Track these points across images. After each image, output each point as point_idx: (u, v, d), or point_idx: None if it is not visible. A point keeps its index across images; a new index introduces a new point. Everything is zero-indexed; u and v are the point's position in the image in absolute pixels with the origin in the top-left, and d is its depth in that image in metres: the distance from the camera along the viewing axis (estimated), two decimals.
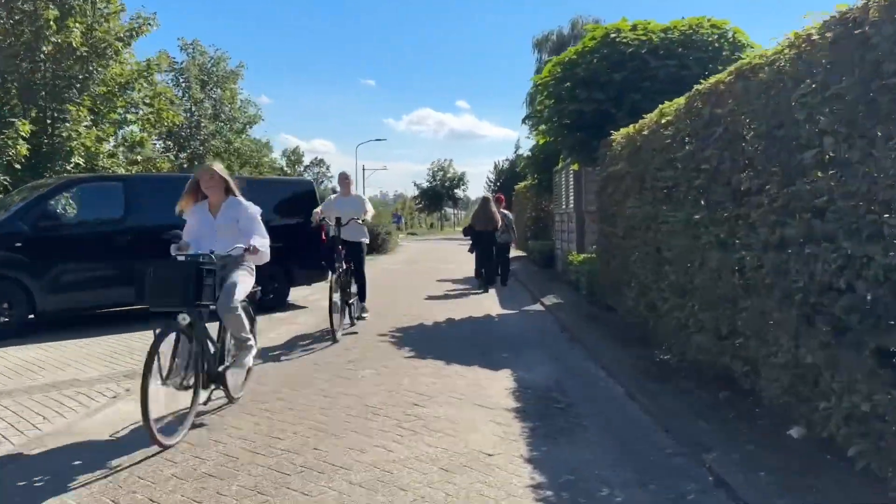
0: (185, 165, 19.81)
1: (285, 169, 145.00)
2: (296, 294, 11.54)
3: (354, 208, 8.57)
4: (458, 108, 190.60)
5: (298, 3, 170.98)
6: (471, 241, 15.11)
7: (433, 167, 69.91)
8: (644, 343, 6.63)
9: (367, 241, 9.12)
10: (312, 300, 11.39)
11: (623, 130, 7.12)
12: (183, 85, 20.06)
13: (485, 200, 14.45)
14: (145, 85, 13.75)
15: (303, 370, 6.19)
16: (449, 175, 69.50)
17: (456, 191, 70.59)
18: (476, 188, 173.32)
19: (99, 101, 12.98)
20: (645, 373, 5.62)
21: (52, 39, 12.04)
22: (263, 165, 22.25)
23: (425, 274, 16.54)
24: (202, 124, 19.66)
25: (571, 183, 13.08)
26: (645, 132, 6.23)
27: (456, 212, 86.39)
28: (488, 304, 10.90)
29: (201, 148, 19.40)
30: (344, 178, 9.36)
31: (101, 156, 13.11)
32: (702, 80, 5.35)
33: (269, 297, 10.26)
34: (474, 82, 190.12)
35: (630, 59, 9.68)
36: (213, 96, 20.52)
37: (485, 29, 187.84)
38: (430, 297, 11.95)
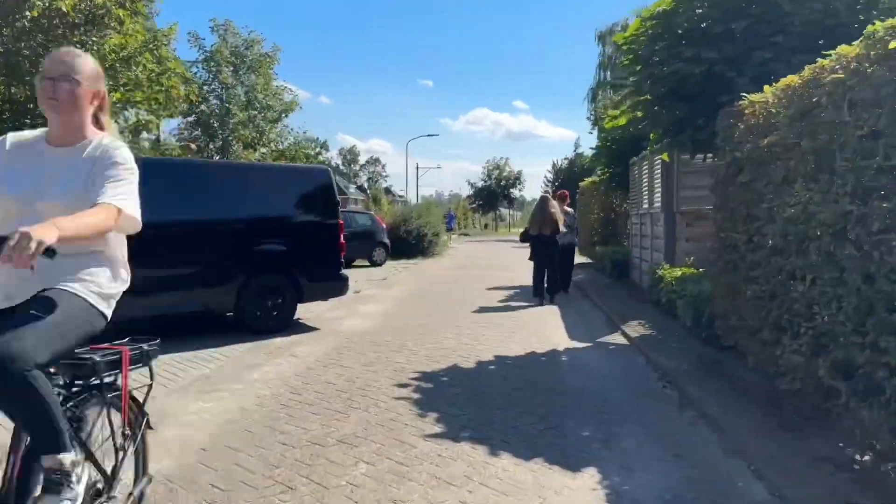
0: (216, 157, 18.07)
1: (341, 168, 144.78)
2: (310, 310, 9.31)
3: None
4: (516, 108, 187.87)
5: (355, 5, 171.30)
6: (529, 249, 12.77)
7: (488, 166, 67.40)
8: (820, 424, 4.03)
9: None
10: (327, 319, 9.11)
11: (782, 82, 4.54)
12: (214, 69, 18.29)
13: (543, 200, 12.02)
14: (150, 59, 11.80)
15: (247, 464, 3.84)
16: (505, 174, 66.79)
17: (512, 190, 67.82)
18: (533, 189, 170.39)
19: None
20: (845, 496, 3.05)
21: (38, 2, 10.20)
22: (302, 160, 20.34)
23: (475, 282, 14.13)
24: (232, 112, 17.81)
25: (657, 176, 10.40)
26: (841, 74, 3.63)
27: (511, 212, 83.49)
28: (552, 330, 8.37)
29: (231, 137, 17.55)
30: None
31: None
32: None
33: (270, 319, 8.03)
34: (532, 82, 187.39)
35: (754, 1, 7.03)
36: (246, 82, 18.66)
37: (543, 27, 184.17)
38: (479, 314, 9.52)
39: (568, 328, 8.47)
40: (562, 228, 12.19)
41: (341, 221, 8.79)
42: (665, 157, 9.21)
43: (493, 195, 66.36)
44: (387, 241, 18.92)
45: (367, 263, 18.61)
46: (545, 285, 11.31)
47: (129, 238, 2.39)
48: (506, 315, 9.62)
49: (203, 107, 17.94)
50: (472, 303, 10.94)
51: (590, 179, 17.00)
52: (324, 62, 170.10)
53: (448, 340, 7.53)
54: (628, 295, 11.09)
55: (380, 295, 12.10)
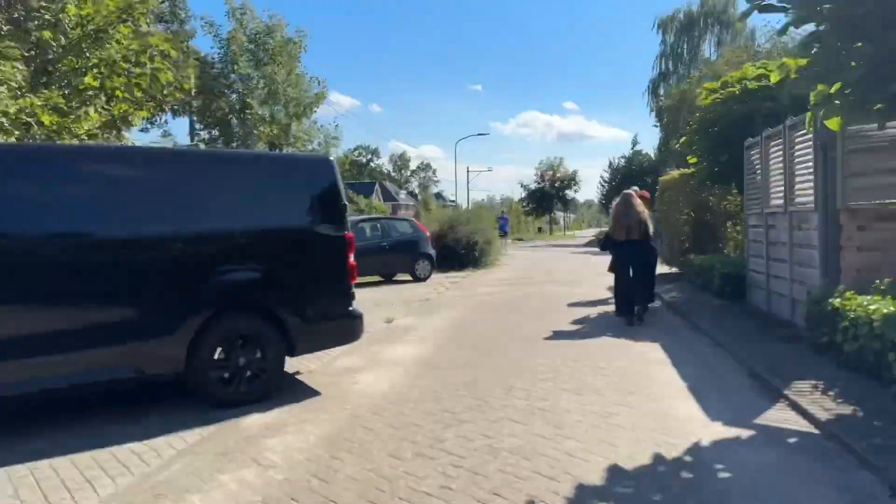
0: None
1: (392, 174, 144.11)
2: (314, 357, 6.63)
3: None
4: (566, 110, 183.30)
5: (400, 12, 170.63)
6: (611, 258, 10.06)
7: (541, 166, 63.97)
8: None
9: None
10: (336, 373, 6.38)
11: None
12: (230, 59, 15.99)
13: (626, 198, 9.70)
14: (126, 34, 9.40)
15: None
16: (559, 175, 63.25)
17: (567, 192, 64.14)
18: (587, 191, 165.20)
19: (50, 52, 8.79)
20: None
21: None
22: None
23: (539, 303, 11.23)
24: (251, 107, 15.44)
25: (804, 159, 7.28)
26: None
27: (566, 215, 79.58)
28: (671, 395, 5.39)
29: (251, 137, 15.14)
30: None
31: (69, 138, 8.88)
32: None
33: (242, 384, 5.37)
34: (582, 82, 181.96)
35: None
36: (267, 73, 16.28)
37: (593, 24, 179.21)
38: (549, 359, 6.60)
39: (695, 391, 5.47)
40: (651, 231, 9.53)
41: (350, 234, 6.07)
42: (835, 123, 6.08)
43: (546, 197, 62.82)
44: (431, 251, 16.18)
45: (410, 278, 15.92)
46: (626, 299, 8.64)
47: None
48: (591, 360, 6.68)
49: (221, 102, 15.64)
50: (536, 337, 8.05)
51: (677, 172, 13.87)
52: (372, 71, 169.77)
53: (509, 423, 4.66)
54: (758, 327, 7.96)
55: (417, 326, 9.33)
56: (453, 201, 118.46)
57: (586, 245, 40.52)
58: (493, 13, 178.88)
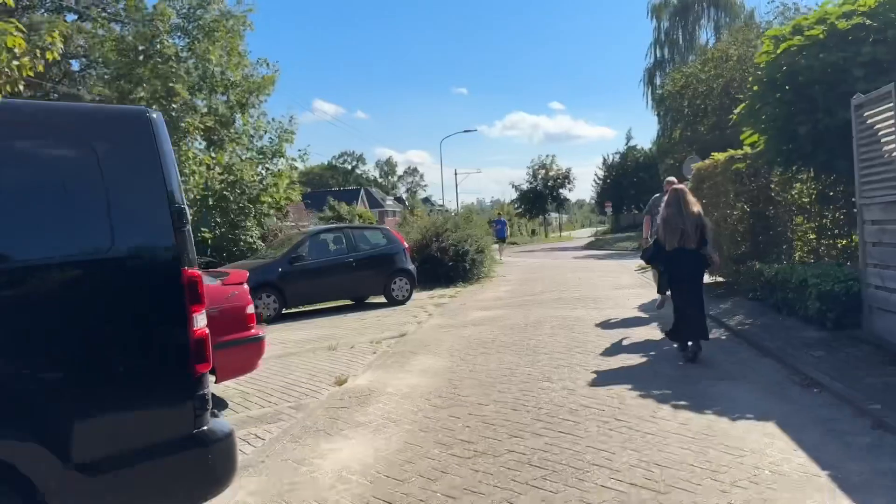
0: None
1: (379, 180, 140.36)
2: None
3: None
4: (552, 110, 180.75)
5: (382, 18, 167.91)
6: (656, 271, 8.95)
7: (533, 165, 60.97)
8: None
9: None
10: None
11: None
12: (151, 34, 12.77)
13: (679, 195, 7.29)
14: None
15: None
16: (552, 173, 60.27)
17: (561, 191, 61.15)
18: (580, 190, 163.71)
19: None
20: None
21: None
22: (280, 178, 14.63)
23: (553, 337, 8.10)
24: (176, 92, 12.21)
25: None
26: None
27: (558, 216, 76.47)
28: None
29: (176, 133, 11.89)
30: None
31: None
32: None
33: None
34: (568, 82, 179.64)
35: None
36: (202, 53, 13.09)
37: (574, 25, 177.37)
38: (600, 463, 3.48)
39: None
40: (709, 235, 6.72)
41: (195, 273, 2.89)
42: None
43: (540, 197, 59.84)
44: (411, 266, 13.03)
45: (385, 301, 12.76)
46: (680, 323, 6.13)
47: None
48: (684, 480, 3.52)
49: (140, 90, 12.41)
50: (571, 412, 4.89)
51: (720, 156, 10.75)
52: (357, 77, 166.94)
53: None
54: None
55: (379, 393, 6.13)
56: (442, 205, 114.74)
57: (586, 247, 37.43)
58: (473, 16, 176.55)
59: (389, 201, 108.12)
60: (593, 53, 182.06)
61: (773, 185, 9.70)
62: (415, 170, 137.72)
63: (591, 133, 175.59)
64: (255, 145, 14.60)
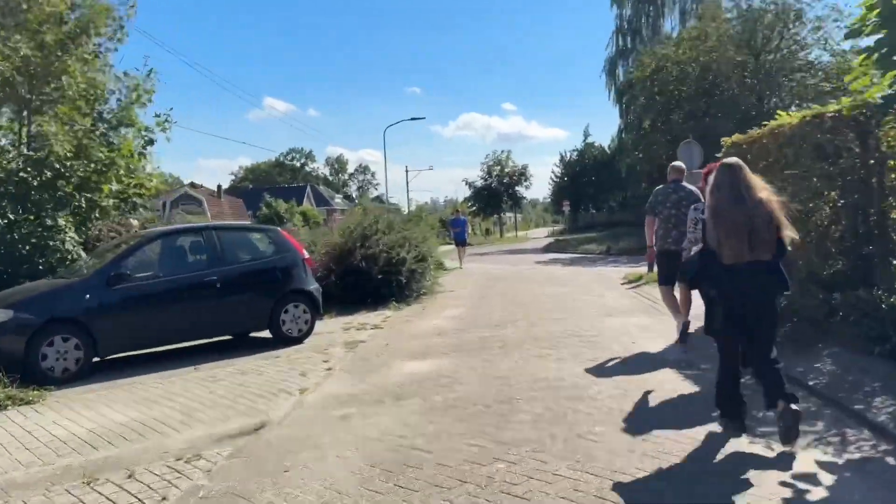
0: None
1: (329, 178, 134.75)
2: None
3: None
4: (505, 111, 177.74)
5: (334, 14, 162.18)
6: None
7: (487, 161, 57.12)
8: None
9: None
10: None
11: None
12: None
13: (731, 170, 4.09)
14: None
15: None
16: (508, 170, 56.60)
17: (517, 189, 57.52)
18: (532, 189, 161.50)
19: None
20: None
21: None
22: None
23: (536, 424, 4.05)
24: None
25: None
26: None
27: (512, 216, 72.83)
28: None
29: None
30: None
31: None
32: None
33: None
34: (520, 83, 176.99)
35: None
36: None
37: (526, 28, 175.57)
38: None
39: None
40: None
41: None
42: None
43: (495, 195, 56.04)
44: (312, 286, 8.73)
45: (270, 335, 8.48)
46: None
47: None
48: None
49: None
50: None
51: (790, 117, 6.78)
52: (308, 74, 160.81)
53: None
54: None
55: None
56: (395, 204, 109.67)
57: (547, 249, 33.66)
58: (426, 12, 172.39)
59: (338, 199, 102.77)
60: (545, 54, 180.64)
61: (892, 163, 5.84)
62: (366, 168, 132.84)
63: (544, 134, 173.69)
64: (93, 109, 10.09)
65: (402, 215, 14.82)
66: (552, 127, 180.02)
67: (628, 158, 50.02)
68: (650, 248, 7.68)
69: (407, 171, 79.94)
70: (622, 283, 13.65)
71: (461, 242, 21.27)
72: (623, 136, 46.87)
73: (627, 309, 10.04)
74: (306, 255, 8.76)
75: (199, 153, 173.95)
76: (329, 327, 9.44)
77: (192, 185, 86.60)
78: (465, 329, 8.88)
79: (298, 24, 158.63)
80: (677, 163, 8.12)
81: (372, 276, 11.60)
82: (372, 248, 11.85)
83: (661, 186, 7.67)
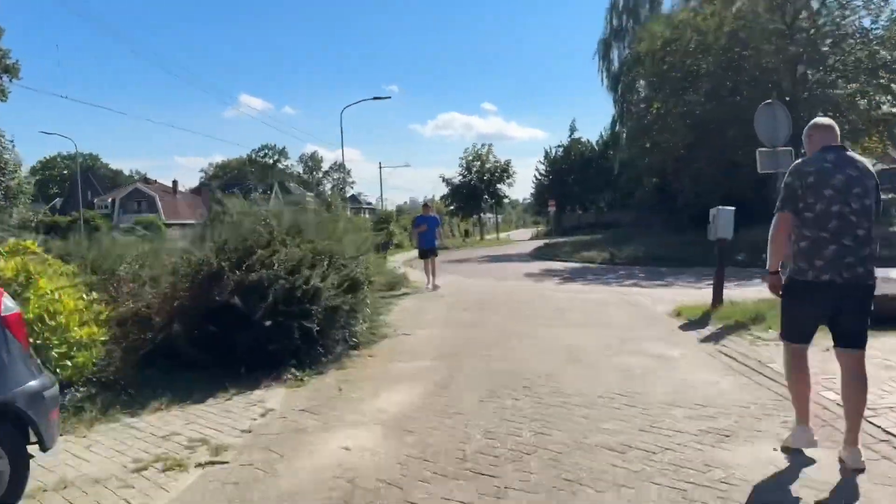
0: None
1: (303, 176, 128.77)
2: None
3: None
4: (485, 111, 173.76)
5: (310, 13, 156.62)
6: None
7: (466, 156, 51.94)
8: None
9: None
10: None
11: None
12: None
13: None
14: None
15: None
16: (488, 166, 51.51)
17: (499, 186, 52.42)
18: (517, 189, 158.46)
19: None
20: None
21: None
22: None
23: None
24: None
25: None
26: None
27: (492, 216, 67.61)
28: None
29: None
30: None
31: None
32: None
33: None
34: (499, 83, 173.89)
35: None
36: None
37: (506, 29, 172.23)
38: None
39: None
40: None
41: None
42: None
43: (474, 193, 50.92)
44: (18, 393, 3.52)
45: None
46: None
47: None
48: None
49: None
50: None
51: None
52: (284, 72, 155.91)
53: None
54: None
55: None
56: (370, 204, 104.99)
57: (535, 256, 28.47)
58: (404, 13, 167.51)
59: (310, 197, 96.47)
60: (524, 56, 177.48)
61: None
62: (341, 165, 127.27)
63: (523, 134, 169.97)
64: None
65: (324, 213, 9.55)
66: (532, 127, 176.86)
67: (623, 153, 45.20)
68: (774, 275, 3.99)
69: (381, 168, 74.49)
70: (678, 324, 8.59)
71: (430, 251, 14.39)
72: (617, 127, 42.16)
73: (738, 403, 4.95)
74: (7, 308, 3.51)
75: (175, 151, 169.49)
76: (96, 466, 4.21)
77: (146, 180, 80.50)
78: (412, 476, 3.76)
79: (273, 22, 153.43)
80: (823, 119, 4.23)
81: (254, 323, 6.36)
82: (257, 270, 6.61)
83: (804, 159, 4.07)
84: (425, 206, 16.04)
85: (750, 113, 13.98)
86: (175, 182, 73.47)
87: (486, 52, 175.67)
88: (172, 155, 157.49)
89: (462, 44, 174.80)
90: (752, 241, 19.94)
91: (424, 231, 14.30)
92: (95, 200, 69.89)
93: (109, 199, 69.40)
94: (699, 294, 10.87)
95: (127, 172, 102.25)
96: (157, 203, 66.32)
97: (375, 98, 27.70)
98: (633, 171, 42.73)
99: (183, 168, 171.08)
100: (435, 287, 13.59)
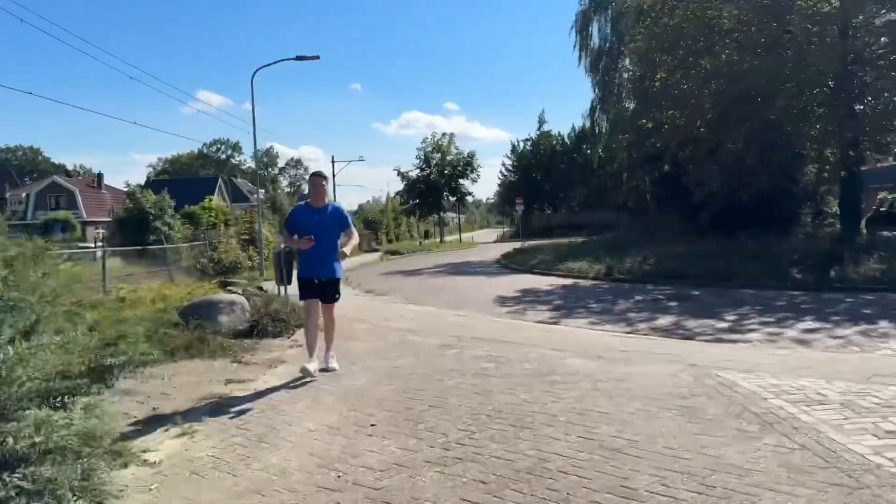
0: None
1: (259, 172, 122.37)
2: None
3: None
4: (448, 111, 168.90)
5: (271, 6, 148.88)
6: None
7: (424, 147, 45.75)
8: None
9: None
10: None
11: None
12: None
13: None
14: None
15: None
16: (450, 158, 45.47)
17: (462, 181, 46.36)
18: (483, 186, 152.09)
19: None
20: None
21: None
22: None
23: None
24: None
25: None
26: None
27: (455, 216, 61.45)
28: None
29: None
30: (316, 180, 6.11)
31: None
32: None
33: None
34: (462, 83, 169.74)
35: None
36: None
37: (470, 28, 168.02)
38: None
39: None
40: None
41: None
42: None
43: (434, 189, 44.82)
44: None
45: None
46: None
47: None
48: None
49: None
50: None
51: None
52: (244, 68, 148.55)
53: None
54: None
55: None
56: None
57: (506, 264, 22.49)
58: (368, 11, 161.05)
59: (261, 195, 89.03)
60: (487, 56, 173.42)
61: None
62: (298, 161, 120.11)
63: (487, 135, 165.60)
64: None
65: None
66: (495, 128, 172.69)
67: (608, 140, 39.23)
68: None
69: (333, 162, 67.59)
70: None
71: (323, 287, 6.09)
72: (597, 114, 36.62)
73: None
74: None
75: (131, 148, 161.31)
76: None
77: (67, 173, 72.11)
78: None
79: (230, 15, 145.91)
80: None
81: None
82: None
83: None
84: (316, 180, 6.30)
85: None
86: (100, 175, 65.45)
87: (448, 51, 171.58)
88: (129, 152, 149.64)
89: (425, 41, 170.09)
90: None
91: (309, 247, 5.94)
92: (8, 195, 61.56)
93: (23, 194, 61.12)
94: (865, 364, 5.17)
95: (70, 167, 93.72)
96: (76, 198, 58.42)
97: (299, 58, 21.14)
98: (614, 162, 37.32)
99: (140, 164, 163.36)
100: (327, 368, 6.20)
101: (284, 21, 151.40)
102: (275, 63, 22.86)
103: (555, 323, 9.61)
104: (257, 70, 22.62)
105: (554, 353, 6.75)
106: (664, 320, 9.41)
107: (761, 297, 11.59)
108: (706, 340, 7.82)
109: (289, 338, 8.28)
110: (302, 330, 7.96)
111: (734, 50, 16.42)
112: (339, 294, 6.37)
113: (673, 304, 11.13)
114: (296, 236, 6.09)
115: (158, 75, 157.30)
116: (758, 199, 17.79)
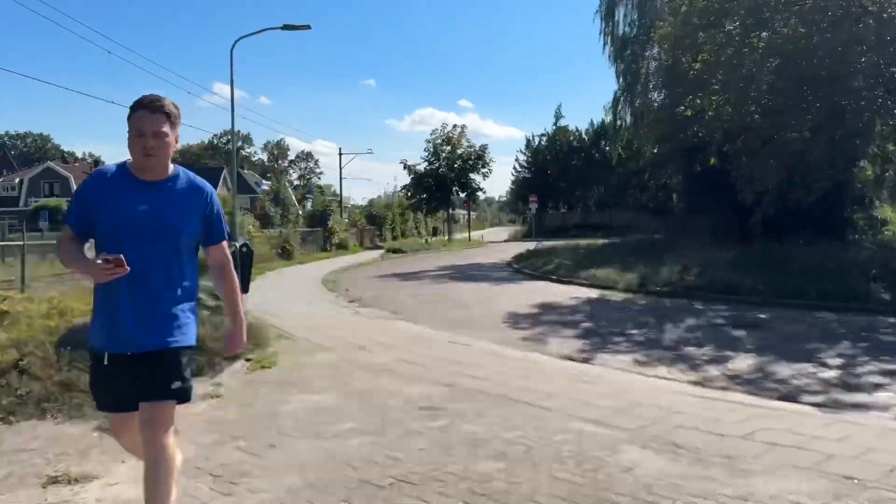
0: None
1: (268, 164, 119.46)
2: None
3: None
4: (461, 108, 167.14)
5: (288, 6, 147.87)
6: None
7: (433, 138, 43.08)
8: None
9: None
10: None
11: None
12: None
13: None
14: None
15: None
16: (460, 151, 42.77)
17: (473, 175, 43.57)
18: (495, 183, 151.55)
19: None
20: None
21: None
22: None
23: None
24: None
25: None
26: None
27: (465, 213, 58.61)
28: None
29: None
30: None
31: None
32: None
33: None
34: (476, 81, 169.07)
35: None
36: None
37: (485, 25, 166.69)
38: None
39: None
40: None
41: None
42: None
43: (442, 183, 42.09)
44: None
45: None
46: None
47: None
48: None
49: None
50: None
51: None
52: (260, 62, 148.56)
53: None
54: None
55: None
56: (336, 194, 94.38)
57: (518, 268, 19.87)
58: (383, 7, 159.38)
59: (265, 186, 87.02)
60: (501, 54, 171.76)
61: None
62: (308, 154, 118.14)
63: (500, 132, 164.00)
64: None
65: None
66: (508, 126, 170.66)
67: (622, 140, 37.35)
68: None
69: (341, 154, 65.33)
70: None
71: (145, 376, 2.56)
72: (620, 105, 33.94)
73: None
74: None
75: None
76: None
77: (64, 159, 70.21)
78: None
79: (248, 13, 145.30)
80: None
81: None
82: None
83: None
84: (142, 114, 2.53)
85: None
86: (97, 161, 63.40)
87: (463, 48, 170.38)
88: None
89: (439, 39, 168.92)
90: None
91: (112, 274, 2.39)
92: (0, 180, 59.68)
93: (17, 180, 59.17)
94: None
95: (79, 155, 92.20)
96: (71, 185, 56.34)
97: (286, 27, 18.66)
98: (638, 158, 34.76)
99: None
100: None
101: (299, 14, 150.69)
102: (259, 32, 20.39)
103: (587, 361, 7.03)
104: (238, 39, 20.28)
105: (599, 436, 4.18)
106: (741, 362, 6.80)
107: (850, 323, 8.97)
108: (818, 405, 5.21)
109: (211, 379, 5.77)
110: (237, 365, 5.45)
111: (797, 22, 13.71)
112: (183, 384, 2.65)
113: (740, 332, 8.51)
114: (88, 244, 2.64)
115: (172, 67, 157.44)
116: (810, 199, 15.17)
